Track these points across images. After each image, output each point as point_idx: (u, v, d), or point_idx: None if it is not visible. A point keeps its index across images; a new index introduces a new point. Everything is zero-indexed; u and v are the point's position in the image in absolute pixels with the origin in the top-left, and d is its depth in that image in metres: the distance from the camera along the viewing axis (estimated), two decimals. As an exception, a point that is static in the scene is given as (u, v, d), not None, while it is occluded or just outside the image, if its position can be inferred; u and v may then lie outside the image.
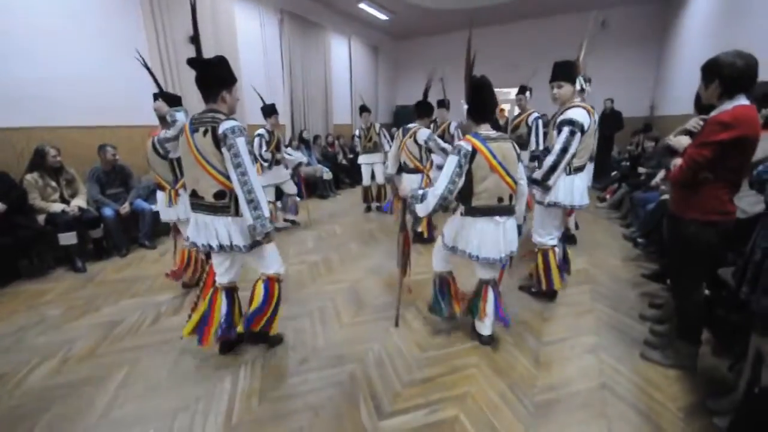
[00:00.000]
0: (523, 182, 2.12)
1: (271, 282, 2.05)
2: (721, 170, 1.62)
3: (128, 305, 2.78)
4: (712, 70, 1.60)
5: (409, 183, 3.71)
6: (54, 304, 2.82)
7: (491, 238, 1.99)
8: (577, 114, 2.34)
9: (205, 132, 1.74)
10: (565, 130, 2.34)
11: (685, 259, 1.84)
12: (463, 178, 1.93)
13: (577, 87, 2.50)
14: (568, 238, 3.06)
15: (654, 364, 2.03)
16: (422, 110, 3.79)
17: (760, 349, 1.53)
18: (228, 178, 1.78)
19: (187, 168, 1.87)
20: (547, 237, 2.66)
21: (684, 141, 1.76)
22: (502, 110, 9.19)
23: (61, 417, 1.71)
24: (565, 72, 2.44)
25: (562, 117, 2.39)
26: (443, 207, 2.00)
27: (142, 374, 2.00)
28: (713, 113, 1.63)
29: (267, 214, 1.81)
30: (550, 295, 2.77)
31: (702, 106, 1.72)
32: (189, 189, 1.90)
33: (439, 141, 3.58)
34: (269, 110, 4.32)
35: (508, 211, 2.03)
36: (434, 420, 1.68)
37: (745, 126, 1.54)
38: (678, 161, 1.73)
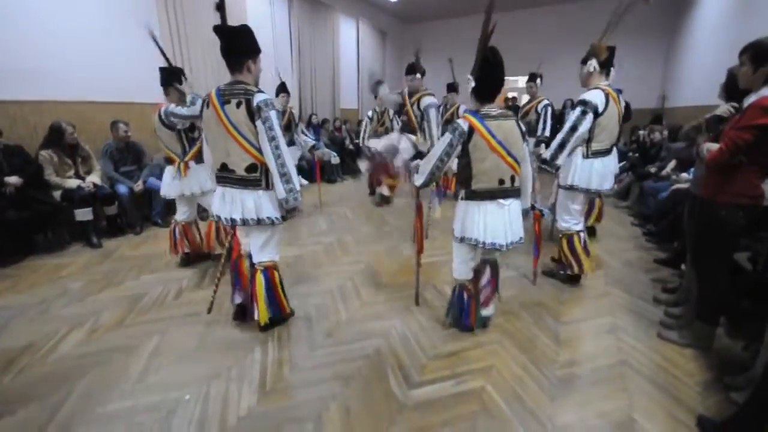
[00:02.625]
0: (528, 164, 1.99)
1: (270, 271, 2.05)
2: (756, 154, 1.65)
3: (149, 280, 2.81)
4: (764, 53, 1.60)
5: None
6: (74, 278, 2.85)
7: (497, 220, 1.89)
8: (592, 95, 2.40)
9: (239, 104, 1.73)
10: (577, 109, 2.41)
11: (712, 241, 1.88)
12: (452, 157, 1.87)
13: (589, 69, 2.47)
14: (589, 229, 3.11)
15: (671, 343, 2.09)
16: None
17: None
18: (259, 150, 1.79)
19: (216, 141, 1.85)
20: (571, 222, 2.68)
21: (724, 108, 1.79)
22: (514, 98, 9.16)
23: (98, 382, 1.76)
24: (586, 54, 2.50)
25: (579, 98, 2.45)
26: (433, 182, 2.02)
27: (172, 343, 2.05)
28: (752, 98, 1.64)
29: (298, 187, 1.84)
30: (576, 279, 2.78)
31: (738, 91, 1.73)
32: (217, 163, 1.90)
33: None
34: (280, 88, 4.29)
35: (512, 193, 1.92)
36: (462, 390, 1.74)
37: None
38: (712, 145, 1.75)
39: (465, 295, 2.12)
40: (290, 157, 1.81)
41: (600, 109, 2.39)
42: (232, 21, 1.90)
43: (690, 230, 2.07)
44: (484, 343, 2.09)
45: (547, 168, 2.55)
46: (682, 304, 2.36)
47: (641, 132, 6.05)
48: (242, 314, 2.21)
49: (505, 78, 1.98)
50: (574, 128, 2.40)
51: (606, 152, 2.55)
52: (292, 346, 2.04)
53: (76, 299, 2.53)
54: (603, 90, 2.41)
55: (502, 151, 1.82)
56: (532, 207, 2.19)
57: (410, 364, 1.91)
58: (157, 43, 2.72)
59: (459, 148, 1.84)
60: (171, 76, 2.65)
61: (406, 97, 3.88)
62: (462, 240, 1.98)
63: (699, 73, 5.85)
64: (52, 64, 3.69)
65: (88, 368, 1.85)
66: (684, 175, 3.89)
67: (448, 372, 1.85)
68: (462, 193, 1.97)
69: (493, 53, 1.81)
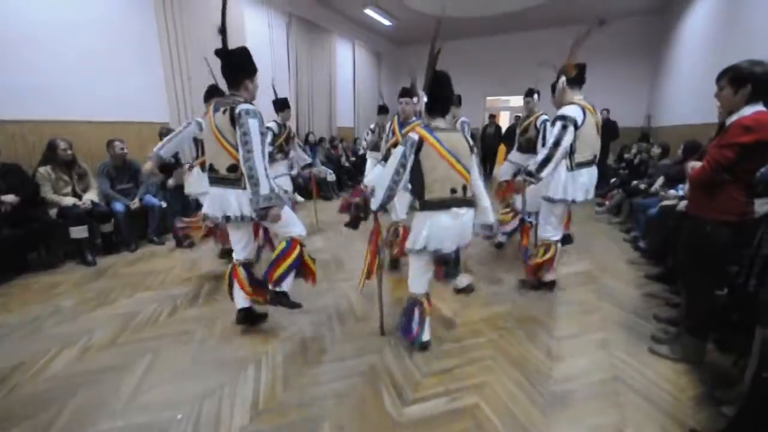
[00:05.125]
0: (476, 176, 2.06)
1: (293, 241, 2.19)
2: (739, 172, 1.71)
3: (144, 297, 2.80)
4: (743, 76, 1.68)
5: None
6: (67, 296, 2.83)
7: (450, 230, 1.96)
8: (569, 110, 2.51)
9: (225, 111, 1.91)
10: (558, 124, 2.50)
11: (698, 256, 1.92)
12: (407, 170, 1.91)
13: (559, 86, 2.66)
14: (564, 237, 3.19)
15: (662, 358, 2.11)
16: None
17: (766, 337, 1.61)
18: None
19: (208, 145, 2.08)
20: (552, 233, 2.82)
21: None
22: (492, 116, 9.34)
23: (89, 401, 1.74)
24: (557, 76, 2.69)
25: (556, 114, 2.57)
26: (391, 200, 1.98)
27: (165, 362, 2.03)
28: (734, 118, 1.72)
29: (264, 191, 1.86)
30: (552, 285, 2.93)
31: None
32: (208, 164, 2.09)
33: None
34: (281, 104, 4.36)
35: (465, 203, 1.98)
36: (455, 407, 1.74)
37: (766, 130, 1.63)
38: (695, 163, 1.82)
39: (416, 310, 2.13)
40: (261, 163, 1.86)
41: (579, 122, 2.49)
42: (232, 43, 2.03)
43: (678, 245, 2.12)
44: (478, 359, 2.10)
45: (530, 180, 2.59)
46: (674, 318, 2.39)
47: (626, 155, 6.22)
48: (247, 318, 2.33)
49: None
50: (557, 143, 2.47)
51: (590, 163, 2.64)
52: (285, 363, 2.04)
53: (69, 317, 2.51)
54: (578, 104, 2.53)
55: (452, 159, 1.93)
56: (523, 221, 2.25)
57: (404, 382, 1.91)
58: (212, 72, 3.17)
59: (412, 158, 1.91)
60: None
61: (396, 127, 3.16)
62: (410, 251, 2.05)
63: (682, 93, 6.07)
64: (52, 84, 3.76)
65: (79, 387, 1.83)
66: (672, 191, 3.97)
67: (441, 389, 1.86)
68: (417, 204, 2.03)
69: (442, 74, 2.03)
